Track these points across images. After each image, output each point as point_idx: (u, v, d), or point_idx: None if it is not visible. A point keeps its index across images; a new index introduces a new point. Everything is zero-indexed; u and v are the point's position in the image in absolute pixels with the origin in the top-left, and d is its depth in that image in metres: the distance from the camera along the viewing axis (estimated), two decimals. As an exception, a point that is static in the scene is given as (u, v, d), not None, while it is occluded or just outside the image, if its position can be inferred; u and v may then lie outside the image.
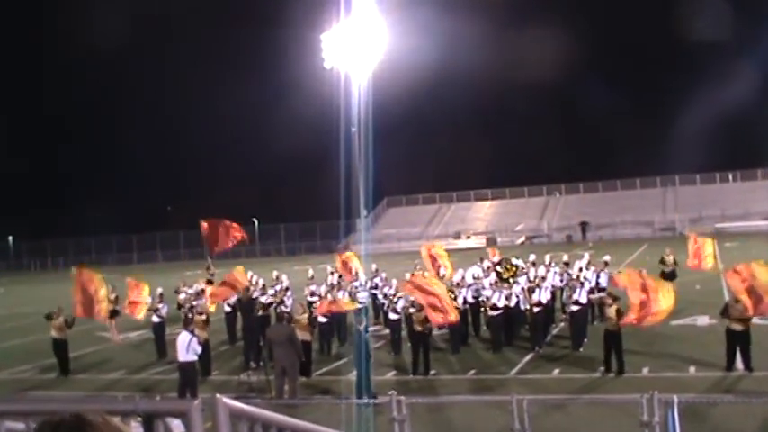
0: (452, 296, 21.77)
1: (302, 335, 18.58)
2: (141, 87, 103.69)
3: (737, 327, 16.62)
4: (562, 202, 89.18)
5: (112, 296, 28.17)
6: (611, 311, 17.51)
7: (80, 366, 22.37)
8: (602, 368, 17.32)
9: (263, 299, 24.13)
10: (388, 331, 22.55)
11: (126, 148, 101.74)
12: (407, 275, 24.32)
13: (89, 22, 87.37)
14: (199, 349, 17.07)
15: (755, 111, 79.90)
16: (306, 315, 19.78)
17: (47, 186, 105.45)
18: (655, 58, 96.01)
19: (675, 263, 28.29)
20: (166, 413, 3.23)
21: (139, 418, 3.22)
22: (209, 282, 33.13)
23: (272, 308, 23.62)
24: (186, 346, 16.83)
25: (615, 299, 18.07)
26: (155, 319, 23.29)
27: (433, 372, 18.70)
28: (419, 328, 19.06)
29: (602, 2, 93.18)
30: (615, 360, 17.20)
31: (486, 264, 27.18)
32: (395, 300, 21.73)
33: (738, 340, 16.66)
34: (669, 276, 28.31)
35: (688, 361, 17.77)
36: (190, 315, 19.99)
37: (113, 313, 27.81)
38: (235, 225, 28.71)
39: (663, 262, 28.44)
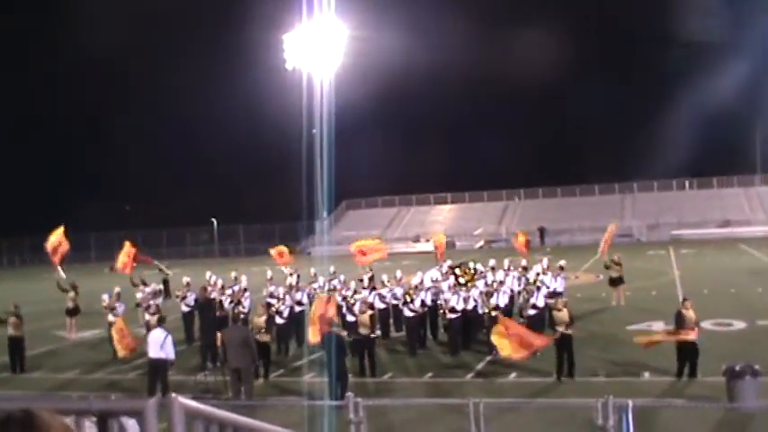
0: (410, 299, 21.86)
1: (260, 336, 18.54)
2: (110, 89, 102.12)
3: (687, 336, 16.78)
4: (521, 207, 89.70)
5: (72, 294, 27.94)
6: (562, 316, 17.68)
7: (34, 365, 22.05)
8: (555, 375, 17.43)
9: (222, 299, 23.99)
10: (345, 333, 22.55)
11: (81, 148, 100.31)
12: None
13: (75, 24, 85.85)
14: (170, 347, 17.00)
15: (713, 120, 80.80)
16: (264, 317, 19.67)
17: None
18: (615, 67, 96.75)
19: (619, 263, 28.79)
20: (121, 412, 3.21)
21: (94, 418, 3.19)
22: (165, 281, 33.09)
23: (229, 306, 23.54)
24: (160, 344, 16.78)
25: (565, 303, 18.23)
26: (110, 318, 23.05)
27: (389, 374, 18.71)
28: (365, 332, 19.06)
29: (578, 8, 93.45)
30: (567, 364, 17.35)
31: (444, 267, 27.26)
32: (352, 302, 21.71)
33: (686, 350, 16.83)
34: (616, 281, 28.75)
35: (642, 366, 17.95)
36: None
37: (73, 311, 27.54)
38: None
39: (609, 267, 28.91)
